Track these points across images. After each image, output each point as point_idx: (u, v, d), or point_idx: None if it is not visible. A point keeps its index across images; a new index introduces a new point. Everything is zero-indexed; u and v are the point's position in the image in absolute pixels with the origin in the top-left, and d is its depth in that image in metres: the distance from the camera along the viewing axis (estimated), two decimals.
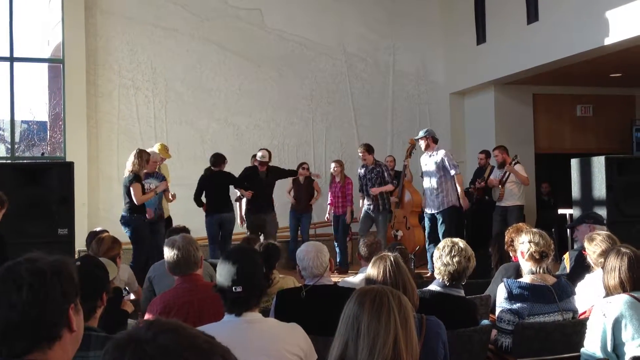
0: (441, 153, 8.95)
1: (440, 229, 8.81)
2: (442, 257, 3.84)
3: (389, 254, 3.34)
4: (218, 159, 9.51)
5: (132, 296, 5.83)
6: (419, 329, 2.93)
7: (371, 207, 9.57)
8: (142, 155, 8.28)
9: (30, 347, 1.70)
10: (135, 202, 7.99)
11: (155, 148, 9.09)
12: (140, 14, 11.57)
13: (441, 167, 8.87)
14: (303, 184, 10.45)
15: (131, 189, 7.98)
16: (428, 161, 9.06)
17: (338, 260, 10.01)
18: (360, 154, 9.66)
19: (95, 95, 11.29)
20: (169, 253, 3.89)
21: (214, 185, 9.39)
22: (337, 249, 10.07)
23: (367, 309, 2.04)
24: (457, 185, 8.87)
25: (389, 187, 9.54)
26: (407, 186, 10.44)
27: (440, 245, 3.92)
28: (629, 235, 5.56)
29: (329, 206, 10.38)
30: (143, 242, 8.18)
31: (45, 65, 12.76)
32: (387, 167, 9.78)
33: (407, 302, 2.13)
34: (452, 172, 8.84)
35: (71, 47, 11.04)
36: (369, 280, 3.27)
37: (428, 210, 9.10)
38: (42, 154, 12.07)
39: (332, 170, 10.35)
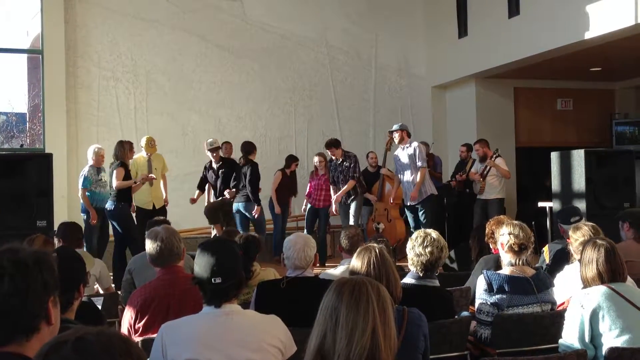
0: (414, 144, 9.13)
1: (422, 219, 8.91)
2: (414, 248, 3.85)
3: (375, 245, 3.34)
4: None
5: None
6: (400, 321, 2.93)
7: (343, 201, 9.82)
8: (125, 145, 8.42)
9: (8, 338, 1.68)
10: (114, 186, 8.12)
11: (142, 142, 9.27)
12: (120, 4, 11.47)
13: (413, 159, 8.98)
14: (291, 177, 10.48)
15: (115, 172, 8.08)
16: (402, 154, 9.17)
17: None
18: (328, 152, 9.83)
19: (74, 86, 11.18)
20: (151, 244, 3.86)
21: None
22: None
23: (346, 300, 2.04)
24: (418, 177, 8.93)
25: (351, 184, 9.66)
26: (387, 179, 10.47)
27: (413, 236, 3.93)
28: (607, 228, 5.61)
29: (306, 198, 10.37)
30: (132, 228, 8.31)
31: (24, 56, 12.60)
32: (356, 159, 9.82)
33: (385, 293, 2.13)
34: (419, 163, 8.95)
35: (50, 37, 10.93)
36: (352, 272, 3.27)
37: (408, 203, 9.17)
38: (21, 145, 11.93)
39: (315, 163, 10.33)
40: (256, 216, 9.39)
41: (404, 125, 9.33)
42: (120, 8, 11.46)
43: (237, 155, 10.30)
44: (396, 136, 9.16)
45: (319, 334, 2.05)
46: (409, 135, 9.25)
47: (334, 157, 9.82)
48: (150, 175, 8.80)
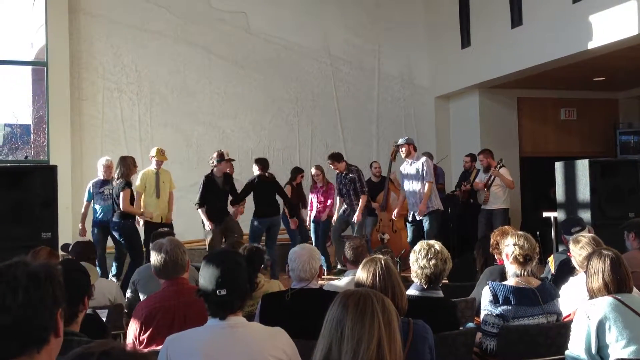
0: (422, 159, 9.03)
1: (426, 231, 8.84)
2: (418, 260, 3.82)
3: (380, 256, 3.33)
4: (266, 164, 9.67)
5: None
6: (405, 333, 2.92)
7: (347, 212, 9.87)
8: (128, 160, 8.43)
9: (20, 350, 1.69)
10: (121, 208, 8.16)
11: (152, 152, 9.28)
12: (124, 16, 11.51)
13: (421, 173, 8.93)
14: (298, 189, 10.52)
15: (121, 194, 8.12)
16: (409, 169, 9.11)
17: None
18: (330, 166, 9.88)
19: (79, 98, 11.22)
20: (156, 257, 3.87)
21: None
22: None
23: (351, 312, 2.04)
24: (426, 190, 8.90)
25: (364, 199, 9.69)
26: (392, 190, 10.46)
27: (417, 248, 3.90)
28: (612, 238, 5.60)
29: (309, 211, 10.36)
30: (137, 245, 8.35)
31: (29, 68, 12.66)
32: (360, 172, 9.85)
33: (391, 306, 2.12)
34: (427, 178, 8.89)
35: (55, 50, 10.96)
36: (358, 283, 3.26)
37: (411, 217, 9.12)
38: (26, 157, 11.98)
39: (313, 175, 10.34)
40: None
41: (410, 139, 9.22)
42: (124, 20, 11.50)
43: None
44: (403, 150, 9.09)
45: (324, 347, 2.04)
46: (415, 149, 9.18)
47: (337, 170, 9.84)
48: (150, 214, 8.81)
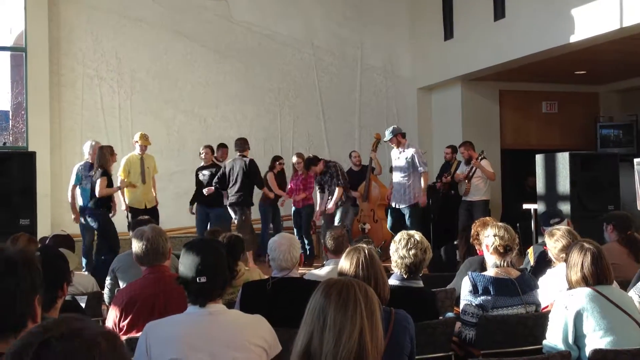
0: (411, 150, 9.06)
1: (408, 224, 8.87)
2: (398, 250, 3.84)
3: (364, 245, 3.34)
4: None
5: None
6: (387, 323, 2.93)
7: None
8: (105, 151, 8.38)
9: None
10: (97, 194, 8.11)
11: (136, 137, 9.34)
12: (105, 3, 11.39)
13: (411, 164, 8.96)
14: (278, 177, 10.51)
15: (98, 181, 8.07)
16: (399, 156, 9.15)
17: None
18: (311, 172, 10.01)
19: (58, 84, 11.10)
20: (137, 244, 3.87)
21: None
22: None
23: (334, 301, 2.03)
24: (422, 182, 8.96)
25: (339, 193, 9.74)
26: (374, 179, 10.49)
27: (397, 238, 3.92)
28: (591, 230, 5.65)
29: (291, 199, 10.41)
30: (109, 234, 8.32)
31: (7, 53, 12.50)
32: (337, 167, 9.92)
33: (373, 295, 2.12)
34: (421, 169, 8.93)
35: (34, 35, 10.84)
36: (341, 272, 3.26)
37: (394, 204, 9.16)
38: (4, 143, 11.83)
39: (294, 163, 10.36)
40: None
41: (396, 129, 9.19)
42: (104, 6, 11.38)
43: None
44: (393, 145, 9.16)
45: (305, 335, 2.03)
46: (403, 137, 9.18)
47: (317, 172, 9.91)
48: (126, 181, 8.86)
